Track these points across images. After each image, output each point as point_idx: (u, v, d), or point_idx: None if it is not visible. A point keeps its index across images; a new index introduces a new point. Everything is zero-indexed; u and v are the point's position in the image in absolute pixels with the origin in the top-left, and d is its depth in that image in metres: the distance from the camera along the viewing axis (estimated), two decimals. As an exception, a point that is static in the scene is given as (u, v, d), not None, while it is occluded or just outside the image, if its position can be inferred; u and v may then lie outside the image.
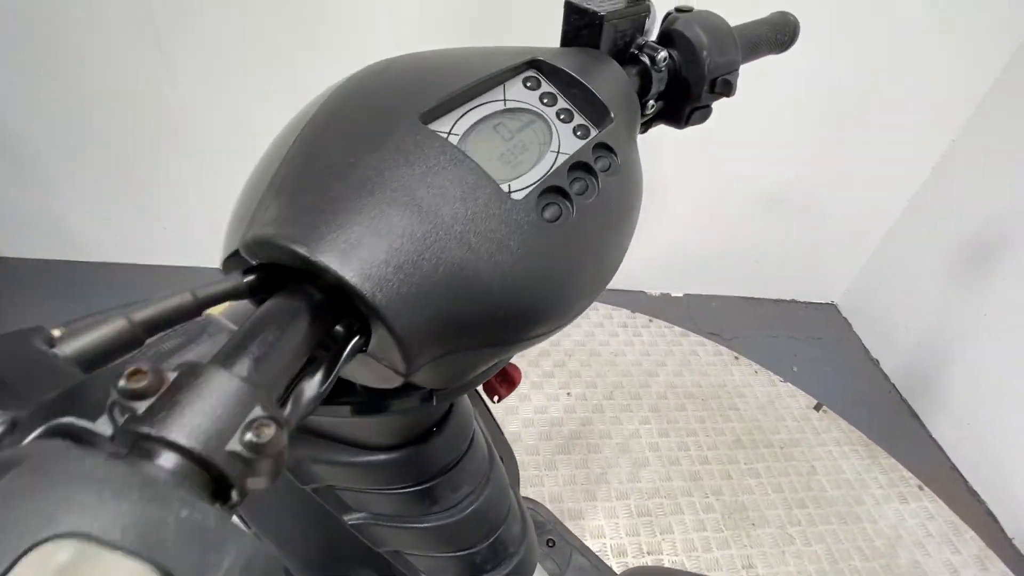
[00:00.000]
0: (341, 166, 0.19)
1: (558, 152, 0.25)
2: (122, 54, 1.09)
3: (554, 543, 0.46)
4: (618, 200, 0.25)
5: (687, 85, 0.33)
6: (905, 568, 0.77)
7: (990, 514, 1.07)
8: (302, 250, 0.17)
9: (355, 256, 0.17)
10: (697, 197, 1.43)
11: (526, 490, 0.75)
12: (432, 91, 0.22)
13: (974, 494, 1.13)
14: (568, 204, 0.23)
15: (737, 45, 0.33)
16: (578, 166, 0.24)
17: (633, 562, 0.67)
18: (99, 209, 1.33)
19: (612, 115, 0.26)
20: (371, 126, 0.21)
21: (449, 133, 0.22)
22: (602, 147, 0.25)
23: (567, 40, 0.30)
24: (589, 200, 0.24)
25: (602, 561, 0.47)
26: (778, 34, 0.37)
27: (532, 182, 0.23)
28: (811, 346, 1.54)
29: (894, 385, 1.41)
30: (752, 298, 1.68)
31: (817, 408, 1.17)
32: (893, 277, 1.52)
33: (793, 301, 1.71)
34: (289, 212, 0.18)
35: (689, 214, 1.46)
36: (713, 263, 1.58)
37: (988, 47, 1.19)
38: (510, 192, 0.22)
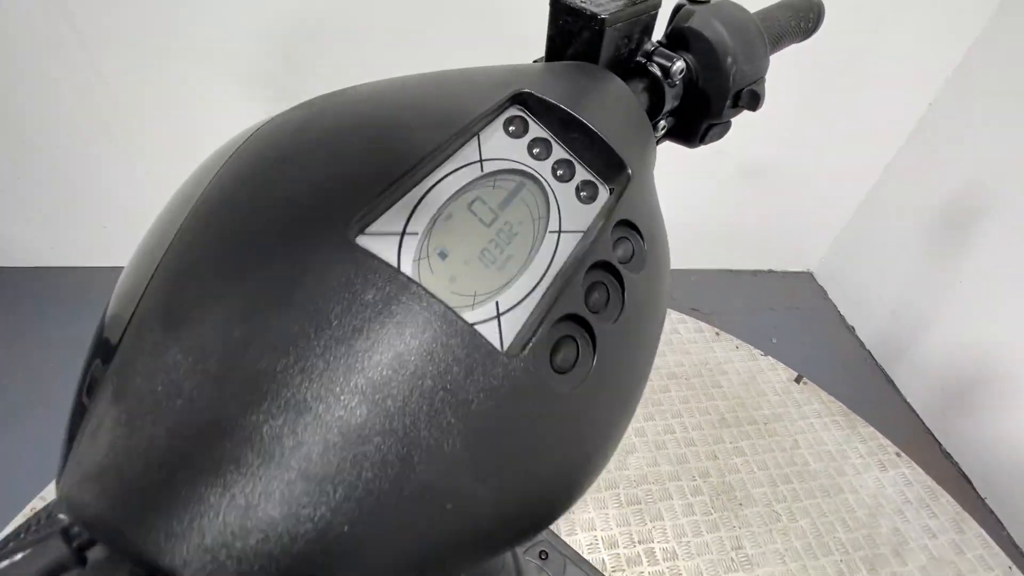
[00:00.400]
0: (217, 346, 0.12)
1: (560, 231, 0.18)
2: (41, 50, 1.00)
3: (547, 555, 0.46)
4: (648, 304, 0.19)
5: (706, 99, 0.27)
6: (886, 536, 0.81)
7: (963, 475, 1.14)
8: (140, 547, 0.10)
9: (240, 549, 0.10)
10: (672, 172, 1.43)
11: (513, 488, 0.75)
12: (372, 169, 0.15)
13: (947, 456, 1.20)
14: (586, 336, 0.16)
15: (766, 45, 0.27)
16: (595, 267, 0.17)
17: (625, 553, 0.68)
18: (29, 212, 1.24)
19: (629, 170, 0.20)
20: (271, 252, 0.13)
21: (403, 233, 0.15)
22: (623, 225, 0.19)
23: (555, 50, 0.23)
24: (611, 322, 0.17)
25: (596, 570, 0.47)
26: (802, 20, 0.32)
27: (527, 292, 0.16)
28: (789, 316, 1.59)
29: (870, 352, 1.47)
30: (730, 270, 1.71)
31: (797, 380, 1.20)
32: (868, 244, 1.57)
33: (771, 271, 1.75)
34: (128, 461, 0.11)
35: (665, 189, 1.46)
36: (691, 237, 1.59)
37: (966, 9, 1.20)
38: (500, 323, 0.15)
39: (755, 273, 1.73)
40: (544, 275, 0.17)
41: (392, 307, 0.13)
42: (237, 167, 0.15)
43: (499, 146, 0.18)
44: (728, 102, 0.27)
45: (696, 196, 1.51)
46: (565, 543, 0.47)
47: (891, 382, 1.38)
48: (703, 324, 1.38)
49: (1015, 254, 1.14)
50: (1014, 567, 0.77)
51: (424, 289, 0.14)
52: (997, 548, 0.80)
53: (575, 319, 0.16)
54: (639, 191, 0.20)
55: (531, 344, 0.15)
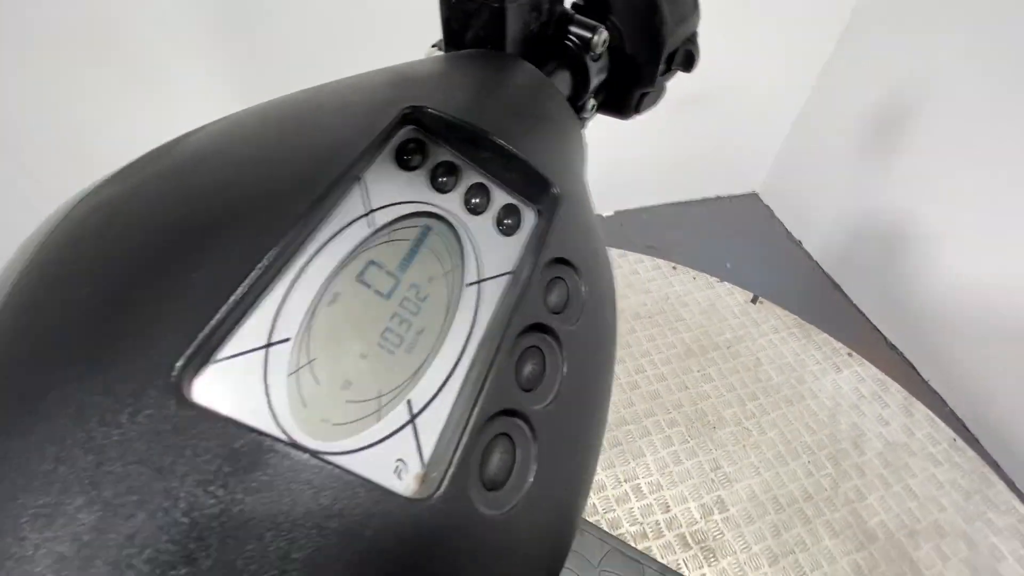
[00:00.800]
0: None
1: (479, 281, 0.15)
2: None
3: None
4: (595, 357, 0.16)
5: (636, 67, 0.24)
6: (846, 431, 0.89)
7: (909, 363, 1.26)
8: None
9: None
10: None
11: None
12: (211, 267, 0.11)
13: (894, 348, 1.32)
14: (523, 427, 0.13)
15: None
16: (528, 331, 0.14)
17: (613, 495, 0.73)
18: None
19: (556, 189, 0.16)
20: (66, 420, 0.09)
21: (268, 345, 0.11)
22: (556, 264, 0.16)
23: (452, 36, 0.20)
24: (550, 400, 0.14)
25: (638, 551, 0.50)
26: None
27: (447, 374, 0.13)
28: (740, 240, 1.66)
29: (817, 263, 1.57)
30: (679, 203, 1.76)
31: (754, 301, 1.28)
32: (807, 157, 1.64)
33: (718, 198, 1.82)
34: None
35: (604, 130, 1.47)
36: (637, 175, 1.62)
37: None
38: (416, 431, 0.12)
39: (703, 201, 1.79)
40: (466, 345, 0.14)
41: (253, 496, 0.09)
42: (30, 282, 0.10)
43: (392, 186, 0.15)
44: (661, 67, 0.24)
45: (635, 133, 1.52)
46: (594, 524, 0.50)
47: (838, 287, 1.48)
48: (660, 261, 1.43)
49: (944, 149, 1.22)
50: (958, 439, 0.87)
51: (299, 448, 0.10)
52: (942, 424, 0.90)
53: (508, 412, 0.13)
54: (570, 211, 0.17)
55: (452, 468, 0.12)
